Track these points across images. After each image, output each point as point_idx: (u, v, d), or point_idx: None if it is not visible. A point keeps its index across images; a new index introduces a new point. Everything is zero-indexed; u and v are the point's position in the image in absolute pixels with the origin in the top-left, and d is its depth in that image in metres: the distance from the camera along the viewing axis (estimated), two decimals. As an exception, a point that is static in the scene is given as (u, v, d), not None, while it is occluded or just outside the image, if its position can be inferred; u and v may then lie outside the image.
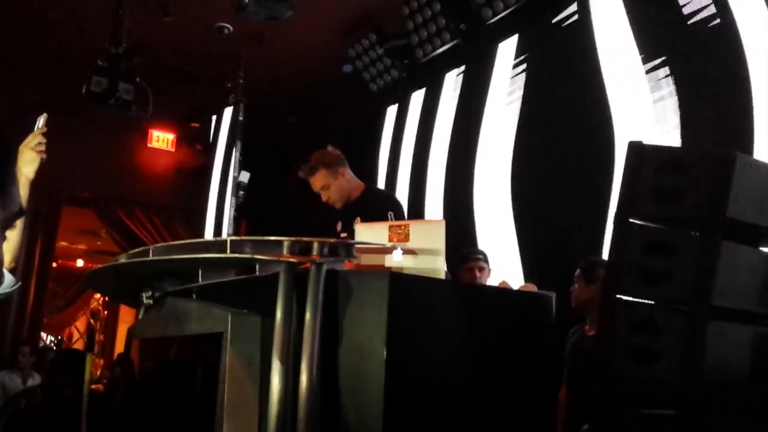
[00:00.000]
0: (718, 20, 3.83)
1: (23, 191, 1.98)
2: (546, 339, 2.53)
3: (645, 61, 4.19)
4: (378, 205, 3.49)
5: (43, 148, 2.09)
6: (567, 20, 4.86)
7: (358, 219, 3.26)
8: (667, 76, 4.06)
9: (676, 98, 3.98)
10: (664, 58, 4.09)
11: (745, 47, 3.69)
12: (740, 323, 2.02)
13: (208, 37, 6.43)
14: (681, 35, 4.03)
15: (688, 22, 3.98)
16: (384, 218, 3.28)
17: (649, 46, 4.20)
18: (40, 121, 2.12)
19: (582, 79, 4.59)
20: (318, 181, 3.53)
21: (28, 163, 2.06)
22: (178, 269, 2.88)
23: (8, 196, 0.63)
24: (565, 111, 4.74)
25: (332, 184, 3.52)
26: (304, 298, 2.16)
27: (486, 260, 3.92)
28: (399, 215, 3.48)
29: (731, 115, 3.71)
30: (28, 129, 2.14)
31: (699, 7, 3.94)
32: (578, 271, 3.40)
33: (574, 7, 4.80)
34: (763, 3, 3.66)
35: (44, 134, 2.10)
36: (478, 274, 3.78)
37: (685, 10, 4.00)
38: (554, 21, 4.95)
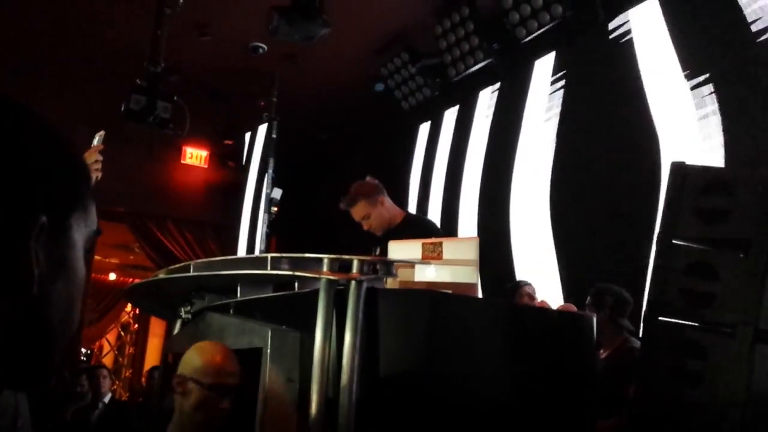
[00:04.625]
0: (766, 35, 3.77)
1: None
2: (585, 359, 2.51)
3: (689, 77, 4.15)
4: (419, 233, 3.37)
5: (99, 165, 2.13)
6: (609, 36, 4.84)
7: None
8: (711, 93, 4.02)
9: (719, 116, 3.95)
10: (707, 75, 4.05)
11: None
12: (788, 347, 1.98)
13: (242, 56, 6.54)
14: (726, 51, 3.98)
15: (735, 37, 3.94)
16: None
17: (693, 63, 4.15)
18: (97, 139, 2.16)
19: (623, 96, 4.56)
20: (359, 211, 3.60)
21: None
22: (217, 285, 2.92)
23: (90, 215, 0.66)
24: (607, 128, 4.71)
25: (372, 213, 3.58)
26: (343, 316, 2.17)
27: (532, 289, 4.12)
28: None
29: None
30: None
31: (754, 19, 3.86)
32: (588, 299, 3.51)
33: (617, 22, 4.78)
34: None
35: (101, 152, 2.14)
36: (525, 300, 3.96)
37: (734, 25, 3.95)
38: (594, 38, 4.95)
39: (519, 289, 4.09)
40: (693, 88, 4.11)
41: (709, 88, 4.02)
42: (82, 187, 0.66)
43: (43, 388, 0.69)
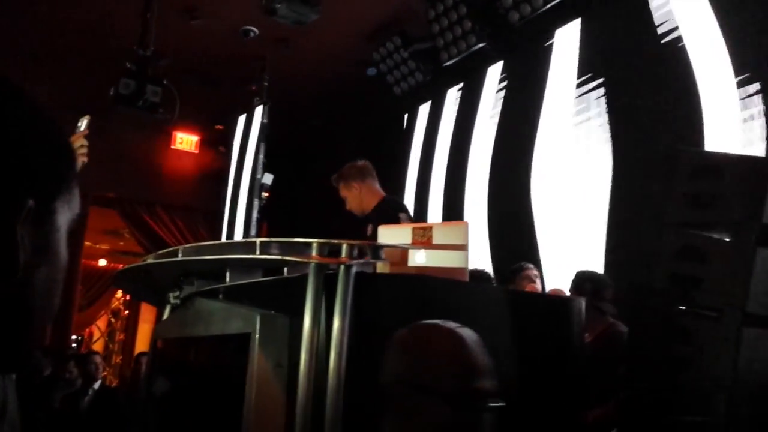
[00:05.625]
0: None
1: None
2: (574, 343, 2.51)
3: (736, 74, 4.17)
4: (385, 215, 3.69)
5: (85, 150, 2.10)
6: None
7: (369, 227, 3.53)
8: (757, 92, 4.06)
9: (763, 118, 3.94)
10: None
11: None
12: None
13: (233, 40, 6.49)
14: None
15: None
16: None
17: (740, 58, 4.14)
18: (83, 123, 2.13)
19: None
20: (340, 192, 3.88)
21: None
22: (206, 270, 2.90)
23: (74, 198, 0.66)
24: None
25: (348, 196, 3.83)
26: (332, 300, 2.16)
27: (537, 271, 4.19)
28: (407, 218, 3.75)
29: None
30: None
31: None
32: (570, 286, 3.56)
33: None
34: None
35: (86, 136, 2.11)
36: (525, 283, 4.04)
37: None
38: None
39: (521, 271, 4.15)
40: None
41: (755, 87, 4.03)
42: (67, 171, 0.65)
43: (21, 371, 0.68)
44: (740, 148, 3.86)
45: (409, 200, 6.52)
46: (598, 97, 4.68)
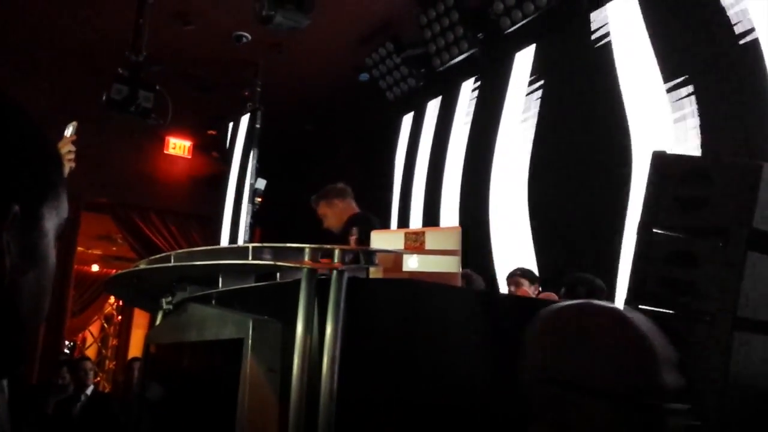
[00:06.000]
0: (748, 38, 3.81)
1: None
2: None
3: (666, 79, 4.18)
4: (349, 227, 4.00)
5: (72, 156, 2.10)
6: (591, 36, 4.87)
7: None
8: (689, 95, 4.06)
9: (697, 118, 3.99)
10: (686, 76, 4.09)
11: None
12: (766, 335, 2.00)
13: (226, 46, 6.50)
14: (706, 53, 4.02)
15: (715, 40, 3.98)
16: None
17: (671, 65, 4.20)
18: (70, 129, 2.13)
19: (600, 96, 4.61)
20: (319, 210, 4.22)
21: None
22: (198, 275, 2.90)
23: (62, 203, 0.65)
24: (582, 126, 4.77)
25: (328, 213, 4.16)
26: (325, 306, 2.16)
27: (525, 276, 4.19)
28: (364, 230, 3.82)
29: (756, 133, 3.73)
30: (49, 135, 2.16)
31: (729, 24, 3.91)
32: (563, 289, 3.57)
33: (598, 20, 4.80)
34: None
35: (73, 142, 2.11)
36: (512, 289, 4.02)
37: (712, 28, 4.00)
38: (576, 33, 4.97)
39: (511, 277, 4.21)
40: (670, 90, 4.15)
41: (688, 89, 4.06)
42: (54, 176, 0.65)
43: (10, 377, 0.68)
44: (674, 144, 4.00)
45: (412, 205, 6.52)
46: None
